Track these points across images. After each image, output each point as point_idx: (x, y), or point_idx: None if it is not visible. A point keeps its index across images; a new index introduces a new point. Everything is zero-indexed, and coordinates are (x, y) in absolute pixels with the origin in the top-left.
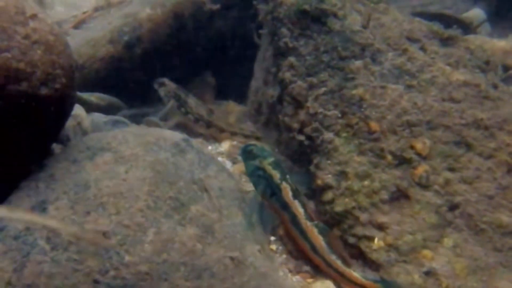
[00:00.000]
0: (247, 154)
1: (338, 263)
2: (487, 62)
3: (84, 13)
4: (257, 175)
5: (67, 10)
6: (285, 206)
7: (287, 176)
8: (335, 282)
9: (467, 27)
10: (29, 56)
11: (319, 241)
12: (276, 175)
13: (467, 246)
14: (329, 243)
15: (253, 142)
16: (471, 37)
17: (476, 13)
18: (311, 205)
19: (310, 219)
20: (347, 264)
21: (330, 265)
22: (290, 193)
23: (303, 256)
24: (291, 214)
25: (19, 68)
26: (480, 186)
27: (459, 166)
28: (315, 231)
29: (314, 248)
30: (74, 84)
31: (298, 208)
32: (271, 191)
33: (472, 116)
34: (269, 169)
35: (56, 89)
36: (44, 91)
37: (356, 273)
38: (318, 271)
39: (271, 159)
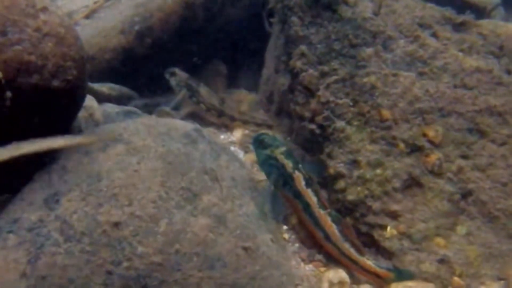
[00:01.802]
0: (259, 144)
1: (352, 251)
2: (500, 47)
3: (95, 3)
4: (269, 164)
5: (78, 0)
6: (298, 195)
7: (300, 165)
8: (348, 270)
9: (481, 11)
10: (40, 49)
11: (333, 229)
12: (289, 164)
13: (480, 233)
14: (342, 232)
15: (264, 131)
16: (484, 22)
17: None
18: (323, 193)
19: (324, 207)
20: (361, 253)
21: (344, 253)
22: (303, 182)
23: (316, 244)
24: (304, 203)
25: (30, 61)
26: (493, 173)
27: (472, 153)
28: (328, 220)
29: (327, 237)
30: (85, 76)
31: (311, 197)
32: (283, 180)
33: (485, 103)
34: (281, 158)
35: (67, 81)
36: (55, 83)
37: (369, 261)
38: (330, 260)
39: (283, 148)
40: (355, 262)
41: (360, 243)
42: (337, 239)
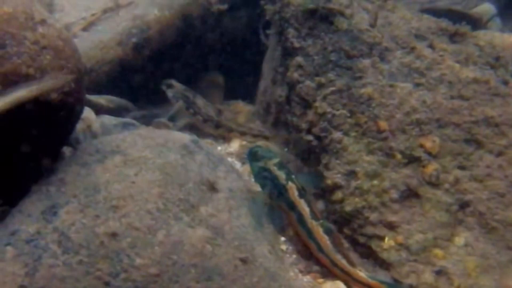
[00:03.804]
0: (253, 156)
1: (344, 263)
2: (497, 58)
3: (93, 15)
4: (263, 176)
5: (76, 12)
6: (292, 206)
7: (293, 176)
8: (343, 282)
9: (477, 23)
10: (39, 62)
11: (324, 240)
12: (282, 175)
13: (479, 244)
14: (334, 243)
15: (260, 142)
16: (480, 33)
17: (486, 8)
18: (318, 204)
19: (316, 218)
20: (352, 264)
21: (336, 265)
22: (296, 193)
23: (311, 255)
24: (298, 214)
25: (28, 74)
26: (491, 184)
27: (469, 164)
28: (320, 231)
29: (320, 247)
30: (83, 88)
31: (304, 207)
32: (277, 191)
33: (482, 114)
34: (274, 169)
35: (65, 93)
36: (53, 96)
37: (362, 273)
38: (328, 271)
39: (276, 160)
40: (347, 273)
41: (351, 254)
42: (329, 250)
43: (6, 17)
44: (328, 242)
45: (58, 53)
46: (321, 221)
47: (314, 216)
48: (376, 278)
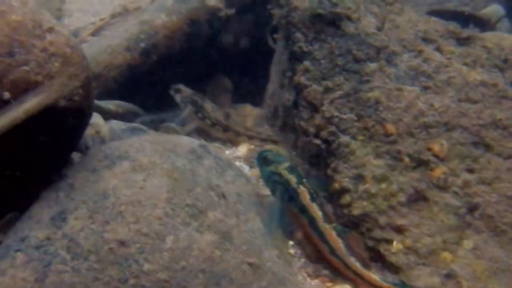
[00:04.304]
0: (262, 160)
1: (357, 265)
2: (505, 61)
3: (101, 20)
4: (274, 180)
5: (85, 17)
6: (304, 210)
7: (304, 180)
8: (354, 285)
9: (486, 24)
10: (47, 69)
11: (338, 243)
12: (293, 179)
13: (487, 247)
14: (347, 245)
15: (269, 146)
16: (488, 34)
17: (494, 9)
18: (327, 208)
19: (329, 221)
20: (366, 266)
21: (349, 267)
22: (308, 196)
23: (322, 259)
24: (310, 217)
25: (37, 81)
26: (499, 186)
27: (477, 167)
28: (333, 234)
29: (332, 251)
30: (91, 94)
31: (316, 211)
32: (288, 195)
33: (490, 116)
34: (285, 173)
35: (74, 100)
36: (62, 102)
37: (375, 276)
38: (337, 275)
39: (286, 164)
40: (360, 276)
41: (366, 256)
42: (342, 253)
43: (15, 25)
44: (342, 244)
45: (66, 60)
46: (334, 224)
47: (327, 219)
48: (390, 281)
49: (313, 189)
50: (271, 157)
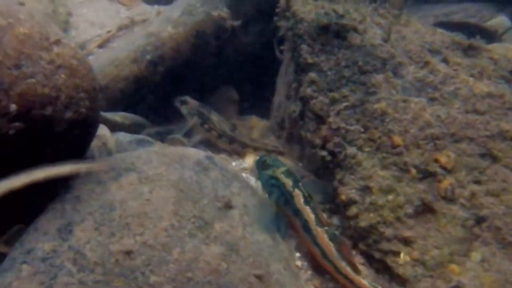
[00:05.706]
0: (261, 165)
1: (348, 270)
2: (511, 72)
3: (108, 32)
4: (271, 184)
5: (92, 30)
6: (297, 213)
7: (300, 184)
8: None
9: (492, 35)
10: (54, 81)
11: (329, 246)
12: (289, 182)
13: (495, 260)
14: (339, 250)
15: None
16: (495, 46)
17: (501, 21)
18: (333, 220)
19: (321, 224)
20: (356, 271)
21: (340, 272)
22: (301, 200)
23: (317, 264)
24: (303, 220)
25: (44, 93)
26: (507, 198)
27: (485, 178)
28: (325, 237)
29: (324, 254)
30: (98, 106)
31: (309, 214)
32: (284, 199)
33: (497, 128)
34: (282, 177)
35: (80, 112)
36: (68, 114)
37: (364, 281)
38: None
39: (283, 168)
40: (350, 280)
41: (356, 261)
42: (333, 256)
43: (22, 37)
44: (333, 248)
45: (73, 72)
46: (326, 228)
47: (319, 222)
48: (379, 286)
49: (308, 192)
50: (270, 162)
